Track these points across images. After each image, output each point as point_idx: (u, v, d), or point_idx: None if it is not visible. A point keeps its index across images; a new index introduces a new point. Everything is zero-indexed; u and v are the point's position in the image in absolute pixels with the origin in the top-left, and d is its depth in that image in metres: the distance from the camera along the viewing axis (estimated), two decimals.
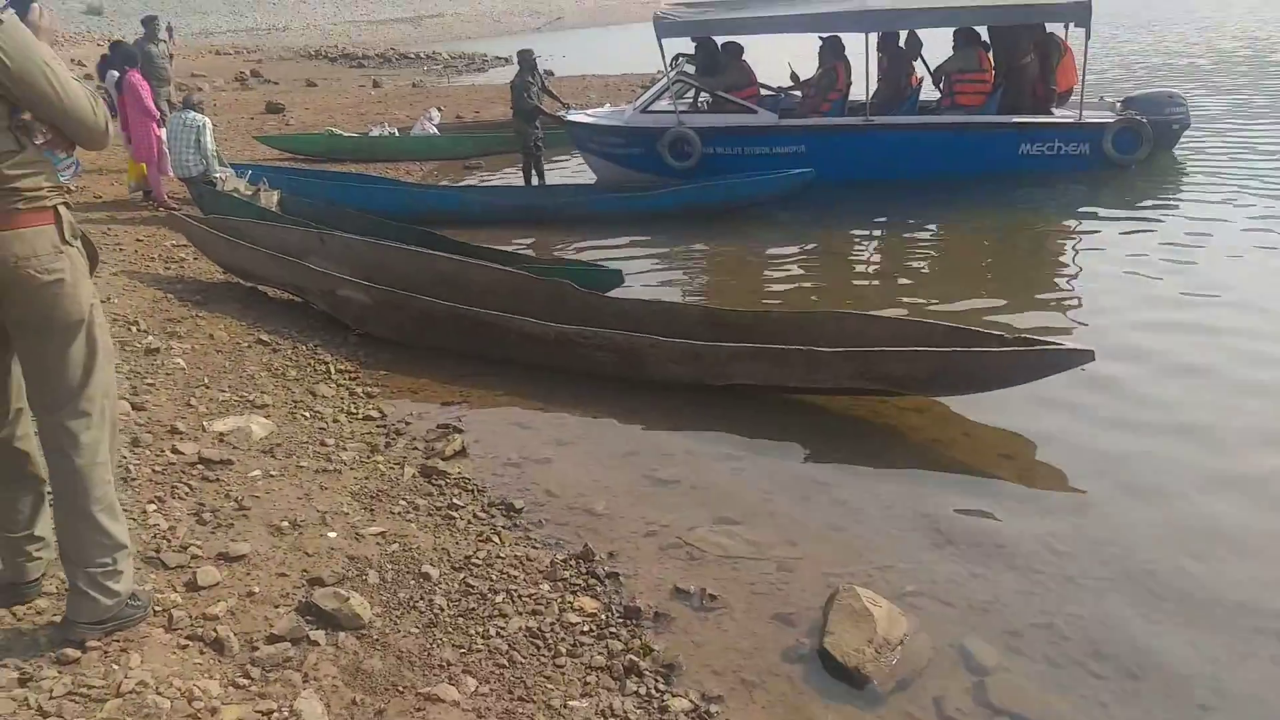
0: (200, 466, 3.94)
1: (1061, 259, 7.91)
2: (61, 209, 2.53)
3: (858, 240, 8.78)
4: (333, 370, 5.48)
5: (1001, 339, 4.49)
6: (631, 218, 9.30)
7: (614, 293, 6.36)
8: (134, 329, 5.77)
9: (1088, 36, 9.52)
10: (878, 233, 8.98)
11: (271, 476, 3.95)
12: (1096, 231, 8.31)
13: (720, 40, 10.65)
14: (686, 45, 11.19)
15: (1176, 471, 4.17)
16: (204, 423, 4.47)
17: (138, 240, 8.19)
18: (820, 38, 10.45)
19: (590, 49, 39.88)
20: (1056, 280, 7.35)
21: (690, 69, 10.94)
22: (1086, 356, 4.26)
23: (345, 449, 4.36)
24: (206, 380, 5.10)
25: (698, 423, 4.73)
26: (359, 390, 5.21)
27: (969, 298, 6.66)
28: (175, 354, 5.43)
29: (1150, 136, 9.70)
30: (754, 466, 4.31)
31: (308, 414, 4.77)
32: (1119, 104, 10.44)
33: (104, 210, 9.37)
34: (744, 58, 10.54)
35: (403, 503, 3.86)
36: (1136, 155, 9.76)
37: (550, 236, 9.05)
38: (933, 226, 9.05)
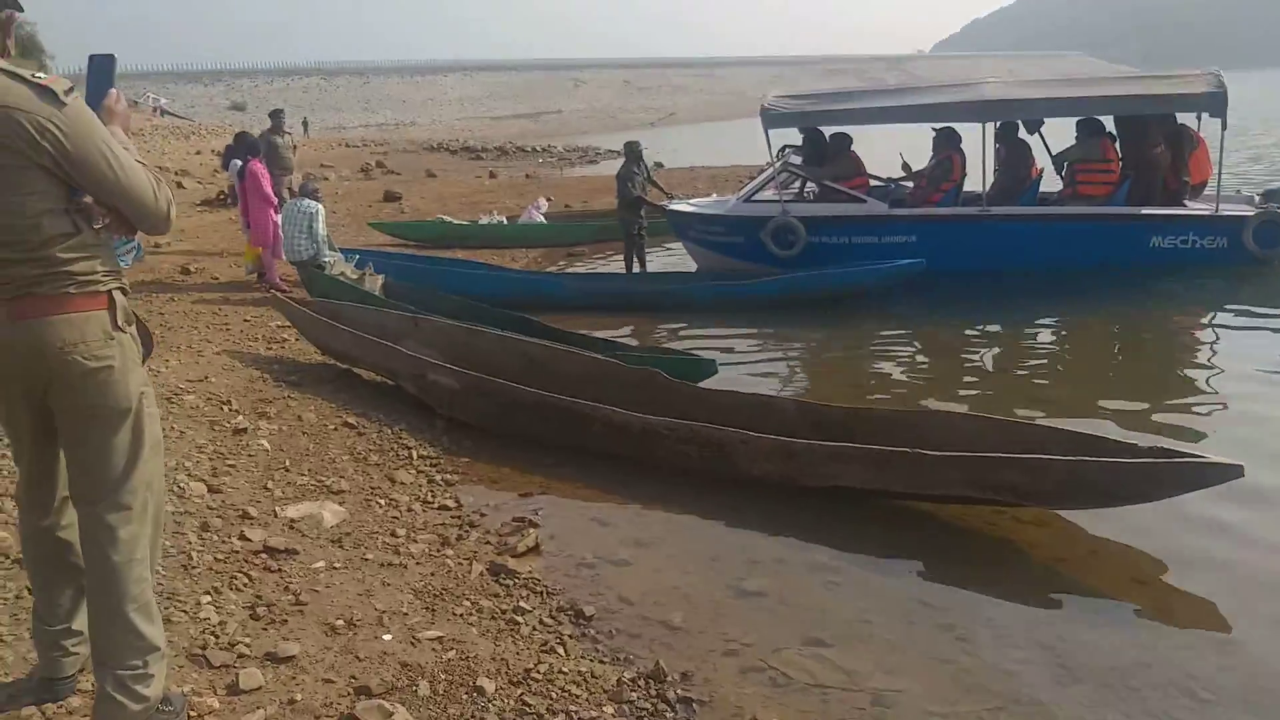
0: (264, 555, 3.79)
1: (1198, 359, 7.29)
2: (116, 294, 2.43)
3: (971, 335, 8.31)
4: (415, 455, 5.34)
5: (1134, 448, 4.02)
6: (732, 305, 9.09)
7: (707, 384, 6.10)
8: (226, 408, 5.78)
9: (1224, 127, 8.98)
10: (993, 328, 8.47)
11: (335, 569, 3.77)
12: (1237, 329, 7.65)
13: (829, 131, 10.49)
14: (794, 136, 11.08)
15: None
16: (277, 508, 4.35)
17: (245, 321, 8.37)
18: (933, 128, 10.19)
19: (701, 143, 40.60)
20: (1193, 383, 6.70)
21: (796, 159, 10.80)
22: (1235, 471, 3.74)
23: (415, 540, 4.16)
24: (288, 463, 5.02)
25: (790, 528, 4.37)
26: (438, 477, 5.03)
27: (1095, 400, 6.14)
28: (261, 435, 5.39)
29: None
30: (850, 581, 3.91)
31: (383, 501, 4.61)
32: (1258, 197, 9.77)
33: (219, 291, 9.68)
34: (853, 149, 10.33)
35: (466, 603, 3.60)
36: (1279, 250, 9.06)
37: (648, 324, 8.88)
38: (1054, 322, 8.52)
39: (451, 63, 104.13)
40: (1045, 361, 7.52)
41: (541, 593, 3.76)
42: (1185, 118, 9.76)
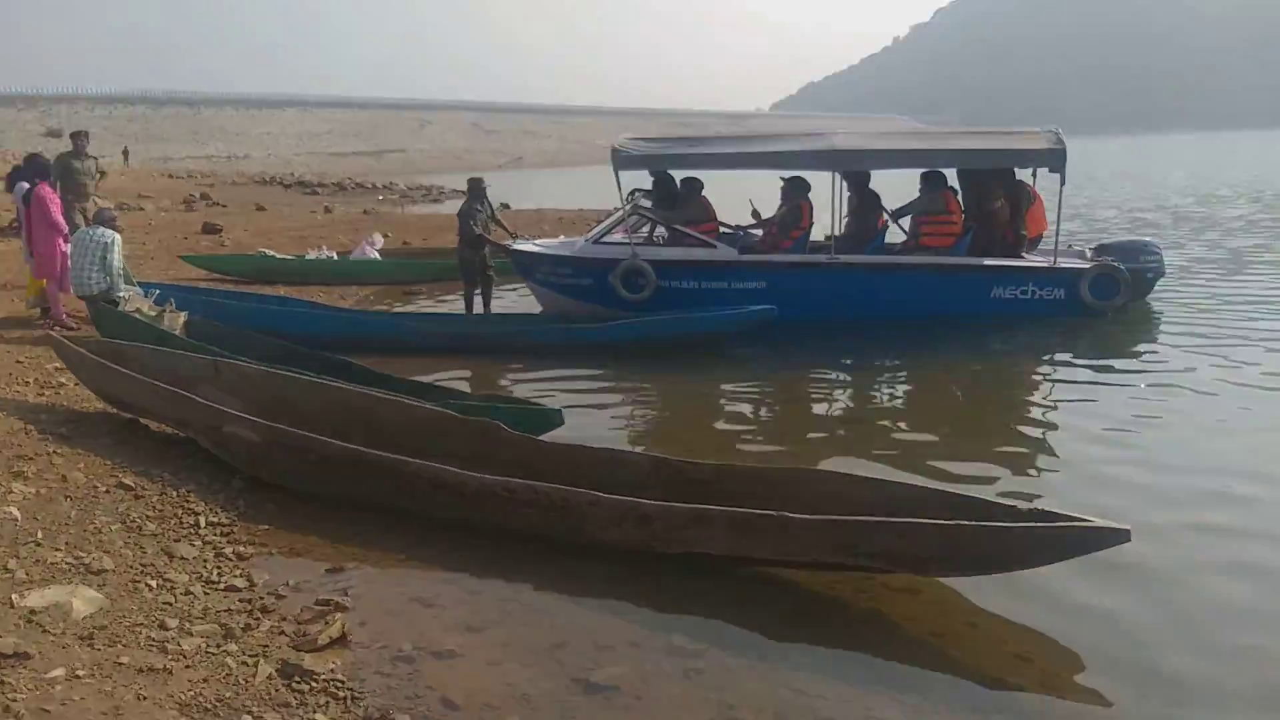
0: None
1: (1040, 413, 7.20)
2: None
3: (821, 383, 8.11)
4: (203, 523, 4.52)
5: (1015, 510, 3.72)
6: (580, 349, 8.59)
7: (553, 436, 5.53)
8: None
9: (1062, 182, 9.26)
10: (843, 376, 8.30)
11: (77, 678, 2.96)
12: (1078, 381, 7.69)
13: (679, 175, 10.23)
14: (644, 180, 10.77)
15: (1236, 681, 3.35)
16: (15, 594, 3.48)
17: (17, 362, 7.25)
18: (781, 177, 10.11)
19: (549, 187, 40.37)
20: (1037, 438, 6.54)
21: (647, 203, 10.48)
22: (1122, 536, 3.47)
23: (190, 634, 3.38)
24: (40, 535, 4.13)
25: (645, 602, 3.83)
26: (229, 550, 4.24)
27: (944, 453, 5.92)
28: (12, 500, 4.45)
29: (1129, 283, 9.32)
30: (714, 667, 3.40)
31: (154, 583, 3.78)
32: (1090, 251, 10.13)
33: None
34: (703, 194, 10.10)
35: (247, 718, 2.87)
36: (1114, 302, 9.34)
37: (489, 369, 8.26)
38: (900, 371, 8.46)
39: (290, 96, 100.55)
40: (893, 413, 7.34)
41: (345, 698, 3.07)
42: (1022, 174, 10.04)
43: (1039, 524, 3.53)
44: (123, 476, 4.99)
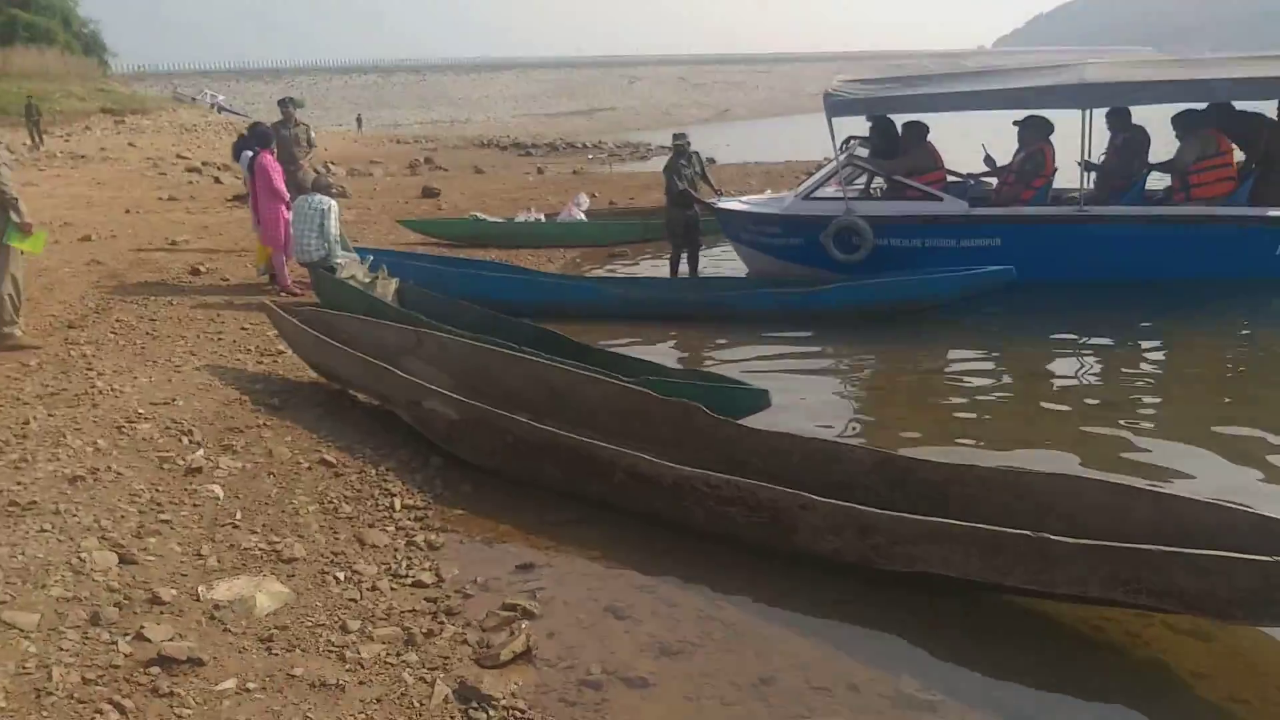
0: (155, 670, 2.82)
1: None
2: None
3: (1066, 357, 7.09)
4: (398, 505, 4.37)
5: None
6: (788, 317, 7.99)
7: (759, 419, 5.04)
8: (185, 440, 4.88)
9: None
10: (1092, 349, 7.23)
11: (248, 691, 2.80)
12: None
13: (901, 121, 9.33)
14: (860, 127, 9.90)
15: None
16: (202, 586, 3.40)
17: (241, 329, 7.50)
18: (1014, 121, 8.99)
19: (756, 139, 39.35)
20: None
21: (864, 152, 9.64)
22: None
23: (371, 639, 3.17)
24: (239, 515, 4.09)
25: (870, 630, 3.30)
26: (420, 538, 4.05)
27: (1218, 450, 4.97)
28: (217, 476, 4.46)
29: None
30: (950, 712, 2.83)
31: (342, 575, 3.63)
32: None
33: (224, 294, 8.84)
34: (929, 140, 9.16)
35: None
36: None
37: (690, 338, 7.84)
38: (1162, 342, 7.26)
39: (508, 60, 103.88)
40: (1151, 394, 6.27)
41: None
42: None
43: None
44: (326, 452, 4.95)
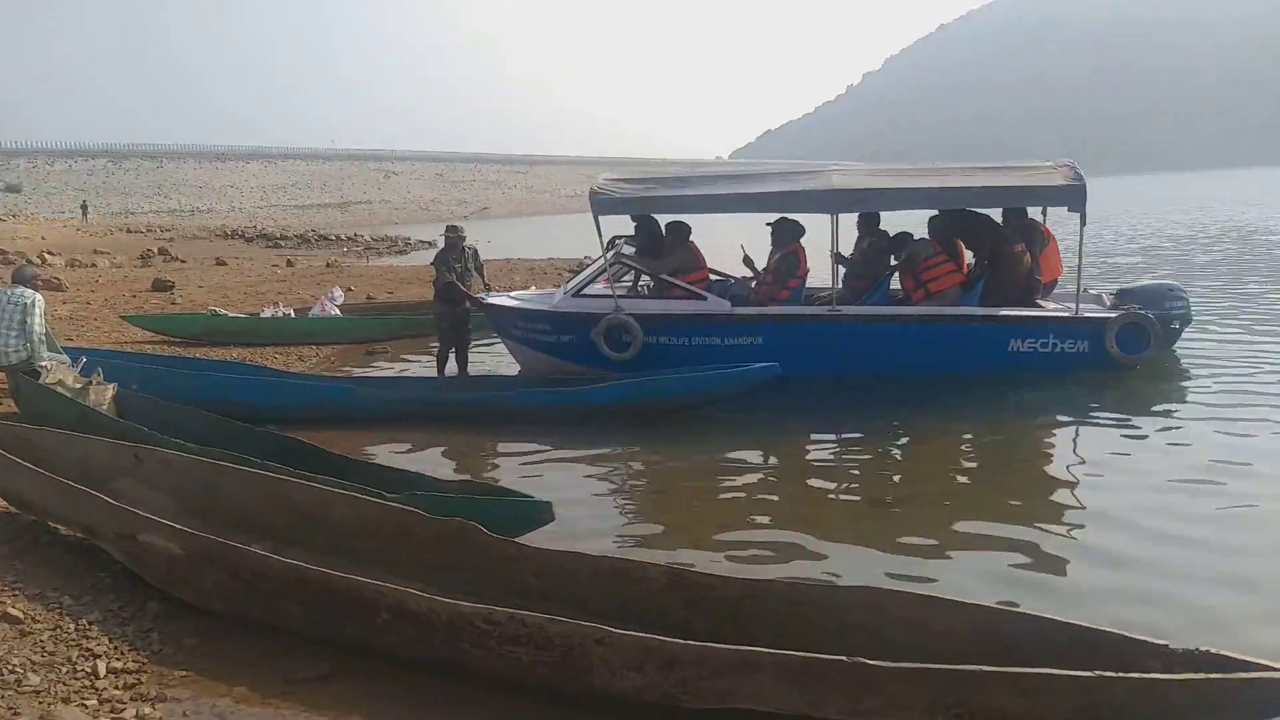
0: None
1: (1076, 486, 6.10)
2: None
3: (830, 451, 7.16)
4: (103, 670, 3.55)
5: (1165, 651, 2.85)
6: (560, 416, 7.68)
7: (540, 536, 4.62)
8: None
9: (1083, 223, 8.49)
10: (852, 442, 7.29)
11: None
12: (1116, 452, 6.60)
13: (664, 221, 9.45)
14: (625, 225, 9.97)
15: None
16: None
17: None
18: (767, 224, 9.36)
19: (517, 236, 39.65)
20: (1081, 517, 5.50)
21: (630, 250, 9.67)
22: None
23: None
24: None
25: None
26: (129, 714, 3.26)
27: (983, 537, 5.13)
28: None
29: (1160, 334, 8.55)
30: None
31: None
32: (1108, 297, 9.41)
33: None
34: (691, 239, 9.31)
35: None
36: (1144, 355, 8.56)
37: (460, 442, 7.33)
38: (915, 434, 7.43)
39: (254, 149, 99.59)
40: (912, 484, 6.31)
41: None
42: (1034, 213, 9.36)
43: (1210, 675, 2.66)
44: (10, 604, 4.01)
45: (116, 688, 3.46)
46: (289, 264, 25.27)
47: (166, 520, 4.19)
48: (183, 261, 26.46)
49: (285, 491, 4.64)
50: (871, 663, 2.85)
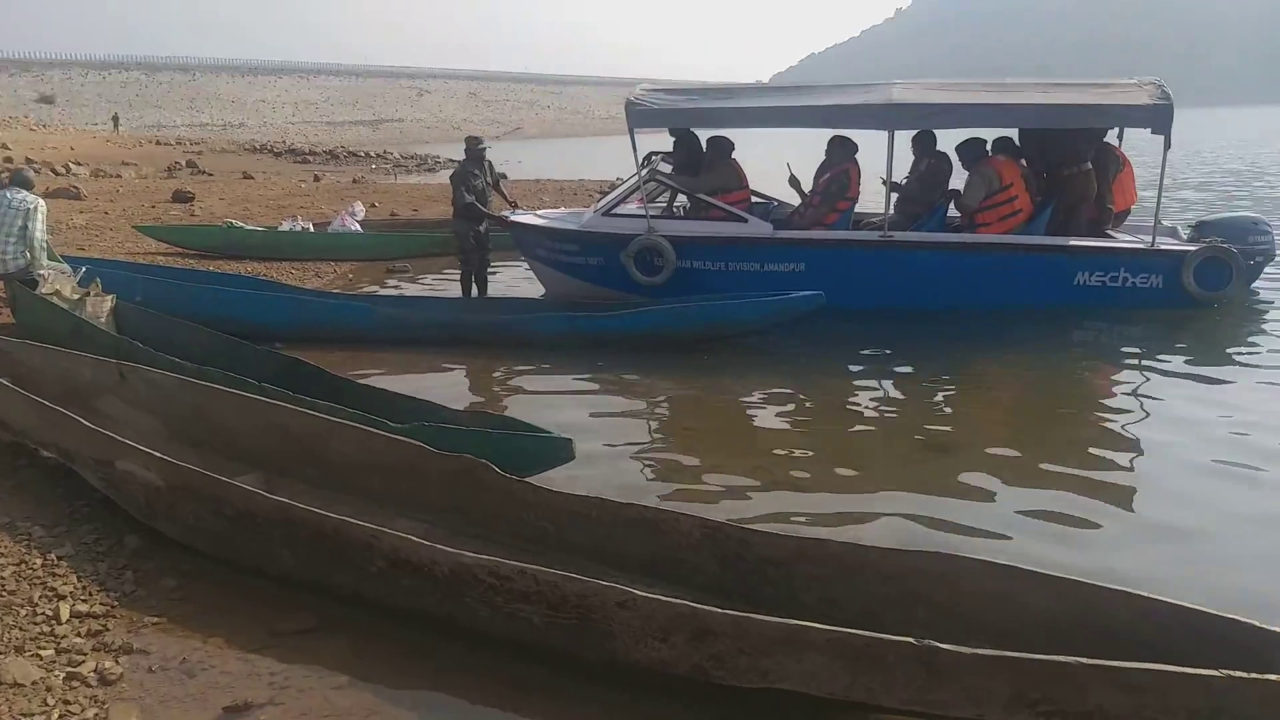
0: None
1: (1133, 430, 5.56)
2: None
3: (874, 389, 6.55)
4: (65, 614, 3.17)
5: None
6: (583, 343, 7.16)
7: (563, 476, 4.17)
8: None
9: (1167, 146, 7.64)
10: (897, 380, 6.69)
11: None
12: (1199, 403, 5.94)
13: (705, 136, 8.79)
14: (664, 141, 9.30)
15: None
16: None
17: None
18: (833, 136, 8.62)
19: (548, 157, 38.79)
20: (1136, 467, 5.02)
21: (666, 168, 9.03)
22: None
23: None
24: None
25: None
26: (88, 668, 2.88)
27: (1032, 484, 4.63)
28: None
29: (1242, 270, 7.82)
30: None
31: None
32: (1184, 229, 8.66)
33: None
34: (734, 156, 8.65)
35: None
36: (1224, 292, 7.85)
37: (477, 369, 6.89)
38: (965, 372, 6.78)
39: (287, 64, 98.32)
40: (960, 427, 5.78)
41: None
42: (1110, 135, 8.55)
43: None
44: None
45: (79, 634, 3.08)
46: (316, 179, 24.76)
47: (146, 447, 3.77)
48: (209, 175, 26.00)
49: (280, 419, 4.20)
50: (946, 647, 2.37)
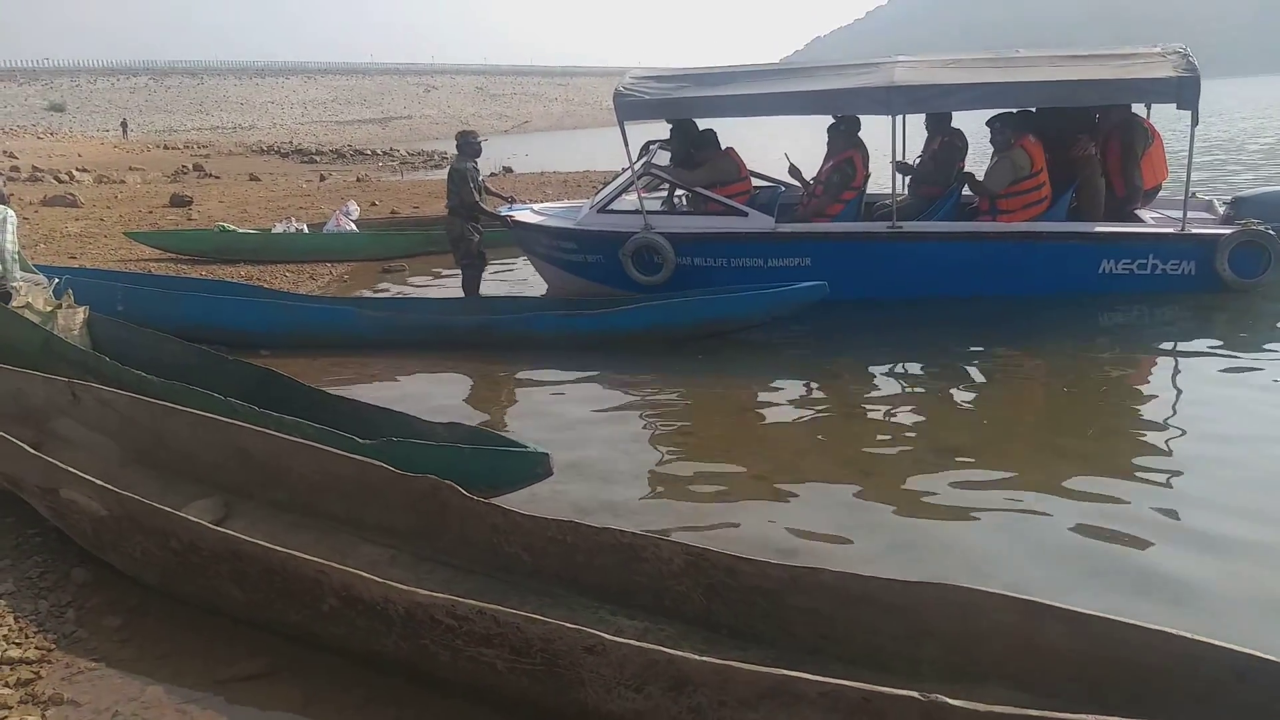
0: None
1: (1167, 425, 5.31)
2: None
3: (884, 387, 6.21)
4: None
5: None
6: (577, 343, 6.87)
7: (547, 491, 3.89)
8: None
9: (1194, 122, 7.20)
10: (910, 376, 6.39)
11: None
12: (1236, 400, 5.56)
13: (702, 123, 8.46)
14: (662, 128, 8.95)
15: None
16: None
17: None
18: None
19: (555, 150, 38.49)
20: (1171, 470, 4.65)
21: (665, 156, 8.69)
22: None
23: None
24: None
25: None
26: None
27: (1051, 490, 4.29)
28: None
29: None
30: None
31: None
32: (1221, 205, 8.18)
33: None
34: (731, 147, 8.32)
35: None
36: (1261, 279, 7.32)
37: (466, 371, 6.60)
38: (982, 367, 6.49)
39: (295, 64, 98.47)
40: (977, 425, 5.47)
41: None
42: (1138, 108, 8.07)
43: None
44: None
45: (6, 684, 2.83)
46: (321, 179, 24.59)
47: (93, 474, 3.50)
48: (216, 178, 25.89)
49: (241, 440, 3.93)
50: (957, 704, 2.06)
